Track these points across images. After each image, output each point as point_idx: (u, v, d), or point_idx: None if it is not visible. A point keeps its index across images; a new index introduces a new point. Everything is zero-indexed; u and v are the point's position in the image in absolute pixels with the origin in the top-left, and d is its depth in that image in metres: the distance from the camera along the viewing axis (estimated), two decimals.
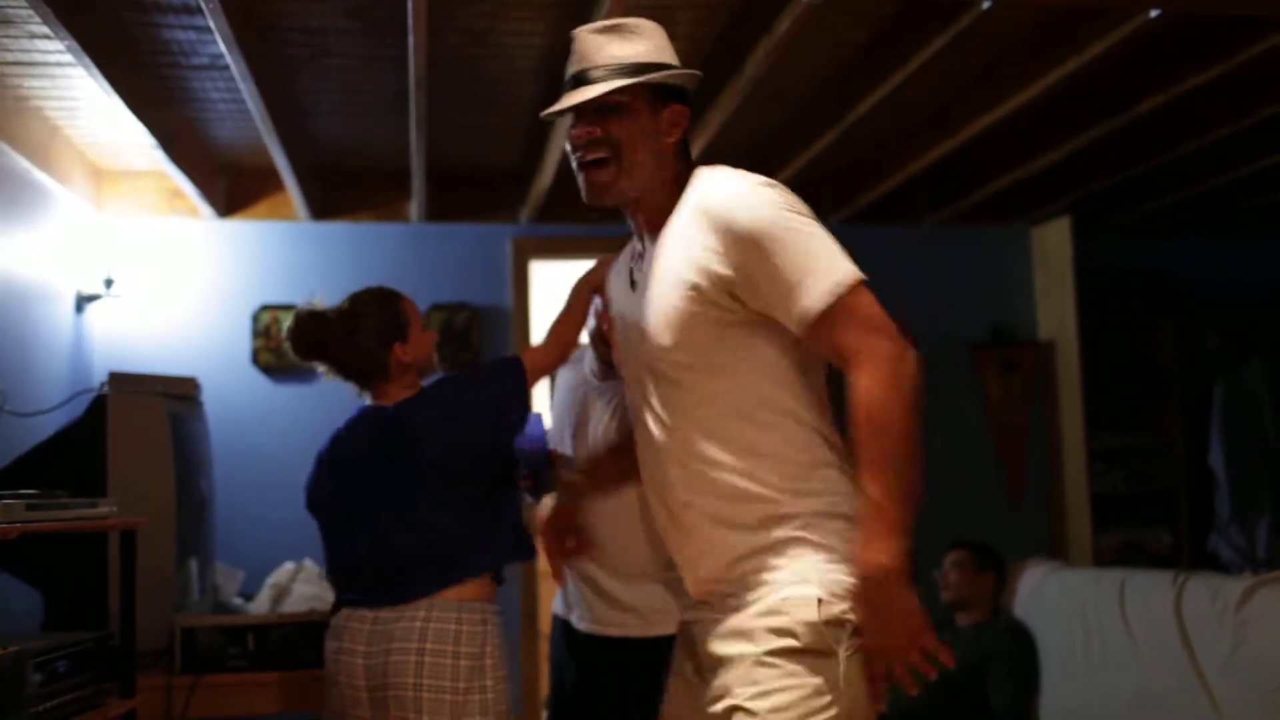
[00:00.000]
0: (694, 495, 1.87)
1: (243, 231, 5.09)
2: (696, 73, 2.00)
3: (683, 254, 1.86)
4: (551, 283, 6.81)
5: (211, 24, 3.05)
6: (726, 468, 1.83)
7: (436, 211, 5.13)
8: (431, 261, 5.18)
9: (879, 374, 1.74)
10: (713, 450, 1.84)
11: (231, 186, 5.02)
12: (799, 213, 1.82)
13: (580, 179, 1.96)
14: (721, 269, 1.80)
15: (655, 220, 1.96)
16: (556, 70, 3.77)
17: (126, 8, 3.31)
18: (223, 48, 3.25)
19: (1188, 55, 3.81)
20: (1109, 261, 5.77)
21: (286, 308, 5.01)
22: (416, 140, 4.15)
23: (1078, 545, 5.49)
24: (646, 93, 1.93)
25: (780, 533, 1.79)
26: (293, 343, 2.79)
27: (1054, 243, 5.65)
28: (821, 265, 1.77)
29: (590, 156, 1.92)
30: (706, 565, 1.89)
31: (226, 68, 3.56)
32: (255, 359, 5.02)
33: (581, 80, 1.93)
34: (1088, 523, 5.43)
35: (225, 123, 4.35)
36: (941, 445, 5.52)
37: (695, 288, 1.82)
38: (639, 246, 2.05)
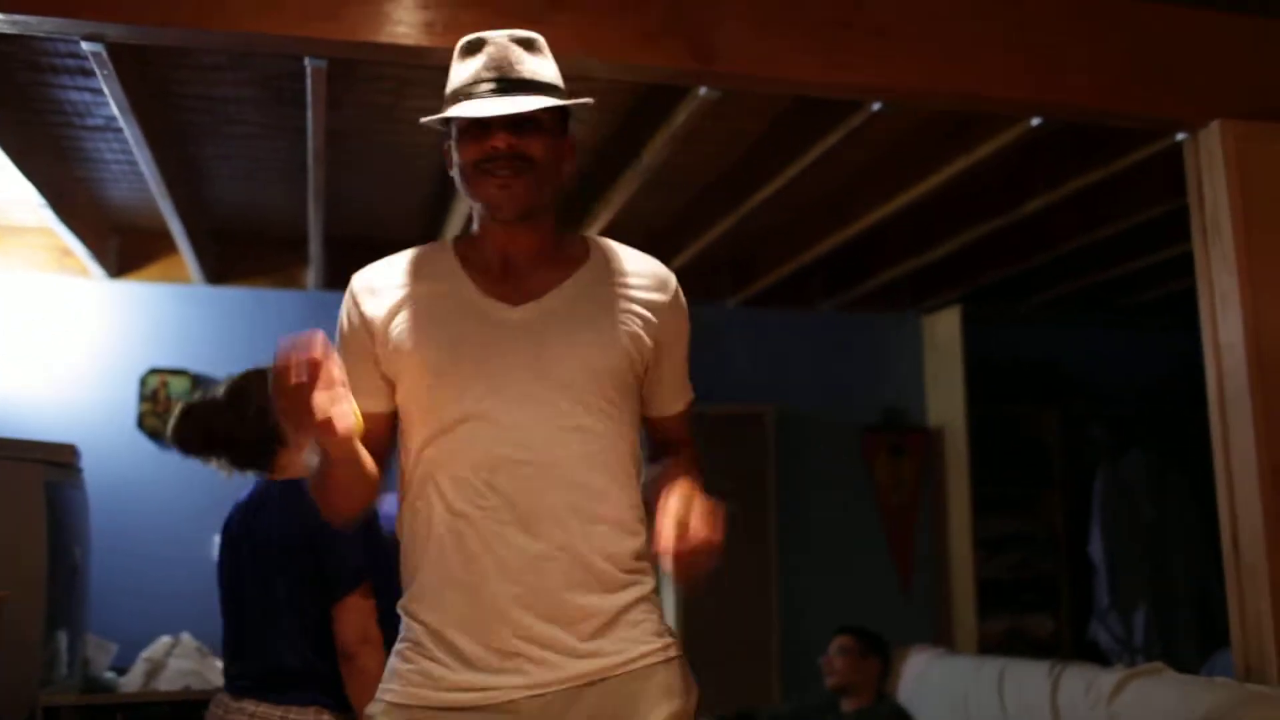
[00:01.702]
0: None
1: (134, 293, 4.99)
2: (590, 101, 1.96)
3: (624, 307, 1.89)
4: None
5: (105, 89, 3.02)
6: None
7: (334, 279, 5.09)
8: (328, 329, 5.09)
9: (698, 455, 2.03)
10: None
11: (124, 247, 4.93)
12: None
13: (488, 187, 1.81)
14: (654, 338, 1.89)
15: (535, 248, 1.90)
16: None
17: (21, 67, 3.26)
18: (116, 111, 3.21)
19: (1071, 160, 3.96)
20: (998, 351, 5.93)
21: (176, 371, 4.92)
22: (314, 210, 4.13)
23: (963, 630, 5.56)
24: (559, 116, 1.88)
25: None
26: (177, 437, 2.65)
27: (944, 331, 5.78)
28: (687, 378, 2.03)
29: (505, 170, 1.80)
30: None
31: (121, 130, 3.52)
32: (141, 423, 4.90)
33: (503, 87, 1.82)
34: (973, 608, 5.51)
35: (120, 183, 4.29)
36: (831, 528, 5.59)
37: (635, 340, 1.87)
38: (477, 263, 1.91)
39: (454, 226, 4.34)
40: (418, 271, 1.91)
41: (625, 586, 1.81)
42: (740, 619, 5.27)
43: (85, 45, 2.67)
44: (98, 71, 2.90)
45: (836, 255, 5.04)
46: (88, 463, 4.26)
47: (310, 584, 2.48)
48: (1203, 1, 3.22)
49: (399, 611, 1.87)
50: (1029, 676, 3.94)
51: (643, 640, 1.80)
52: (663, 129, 3.39)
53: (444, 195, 4.35)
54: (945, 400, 5.78)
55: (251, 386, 2.63)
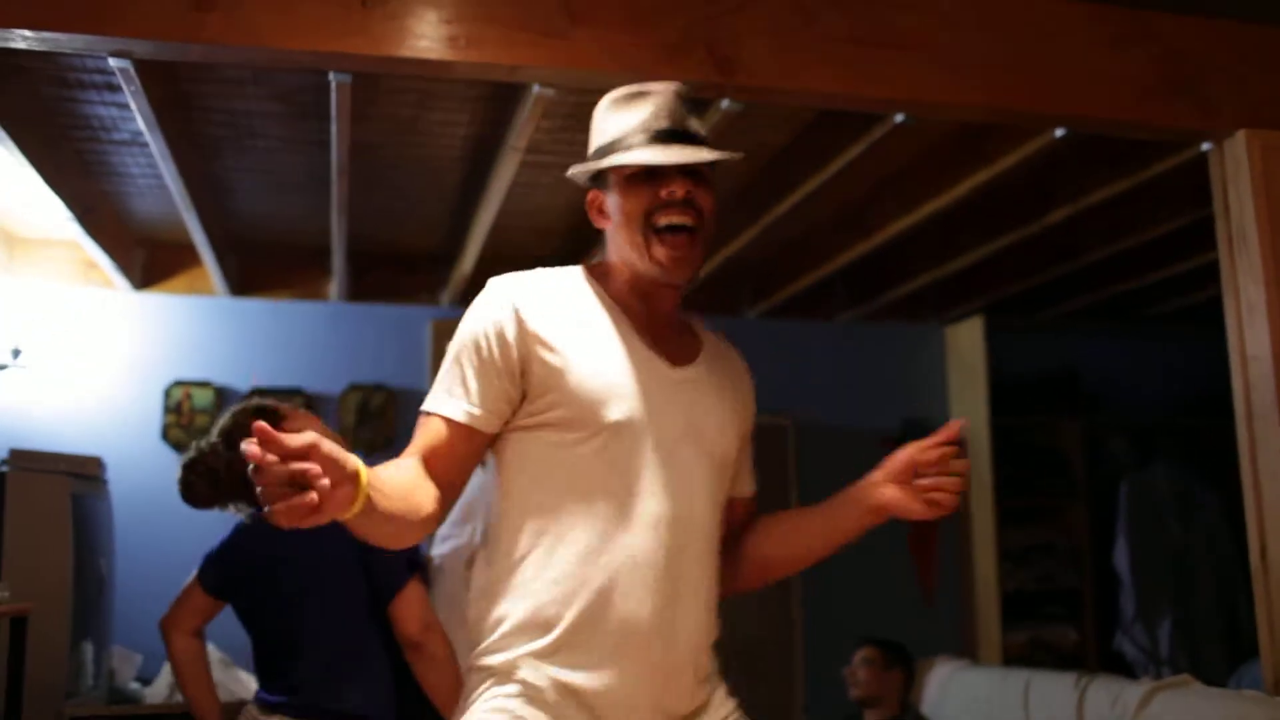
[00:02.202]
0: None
1: (158, 305, 5.03)
2: (740, 155, 1.93)
3: (733, 388, 1.92)
4: None
5: (132, 104, 3.05)
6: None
7: (357, 291, 5.11)
8: (350, 341, 5.15)
9: None
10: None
11: (149, 260, 4.97)
12: None
13: (661, 249, 1.75)
14: (746, 421, 1.94)
15: (673, 310, 1.87)
16: (481, 159, 3.82)
17: (48, 83, 3.29)
18: (143, 126, 3.23)
19: (1095, 171, 3.95)
20: (1020, 362, 5.90)
21: (200, 383, 4.95)
22: (337, 223, 4.15)
23: (987, 642, 5.53)
24: (713, 173, 1.82)
25: None
26: (187, 494, 2.65)
27: (967, 342, 5.76)
28: None
29: (681, 220, 1.74)
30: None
31: (147, 144, 3.55)
32: (165, 435, 4.93)
33: (678, 137, 1.76)
34: (997, 620, 5.49)
35: (145, 197, 4.32)
36: (854, 541, 5.56)
37: (740, 423, 1.91)
38: (613, 314, 1.82)
39: (477, 241, 4.35)
40: (569, 300, 1.80)
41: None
42: (763, 630, 5.26)
43: (112, 61, 2.69)
44: (124, 87, 2.93)
45: (858, 266, 5.03)
46: (112, 474, 4.29)
47: (366, 604, 2.51)
48: (1226, 12, 3.21)
49: (485, 654, 1.74)
50: (1055, 688, 3.92)
51: (722, 704, 1.84)
52: None
53: (466, 208, 4.36)
54: (967, 411, 5.75)
55: (243, 423, 2.62)
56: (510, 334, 1.71)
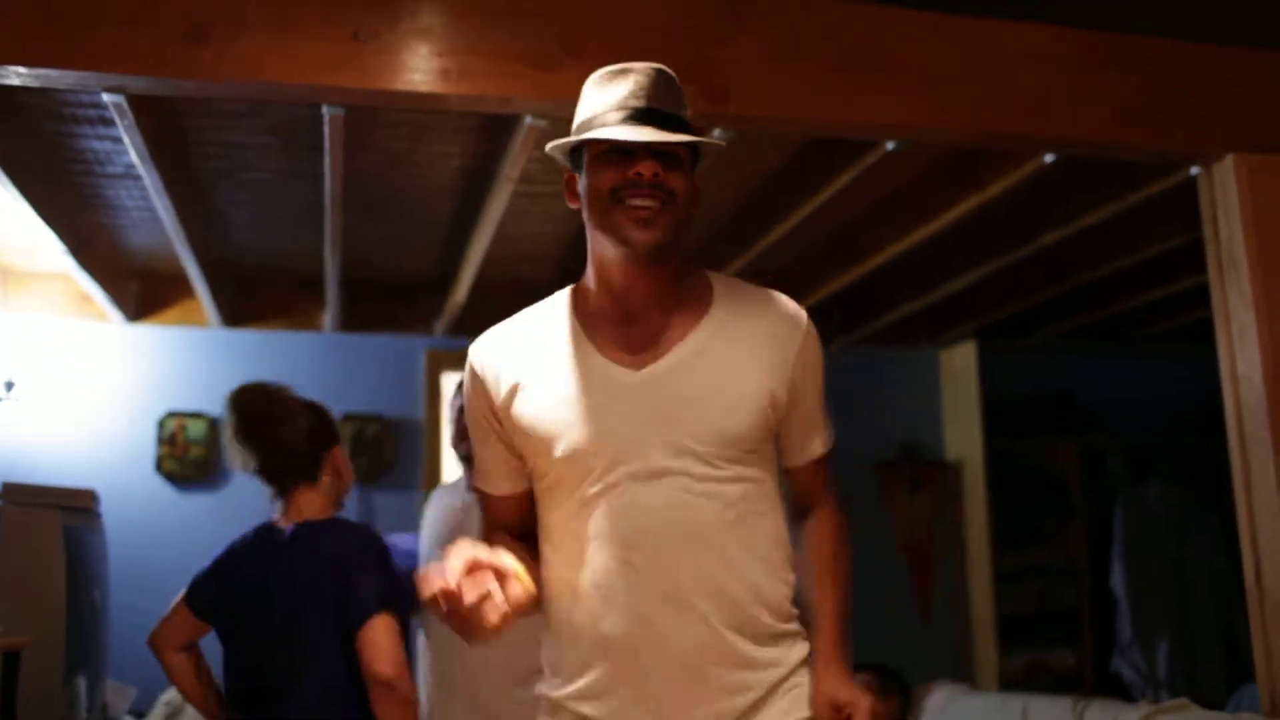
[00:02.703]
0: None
1: (152, 337, 5.02)
2: (723, 143, 1.89)
3: (755, 355, 1.78)
4: None
5: (125, 138, 3.05)
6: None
7: (351, 322, 5.11)
8: (344, 371, 5.15)
9: (840, 520, 1.94)
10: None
11: (143, 291, 4.97)
12: None
13: (624, 219, 1.71)
14: (788, 385, 1.80)
15: (656, 292, 1.79)
16: (474, 189, 3.84)
17: (43, 118, 3.30)
18: (136, 159, 3.24)
19: (1086, 193, 3.97)
20: (1014, 383, 5.92)
21: (194, 415, 4.94)
22: (331, 255, 4.15)
23: (984, 665, 5.52)
24: (691, 158, 1.78)
25: None
26: (240, 405, 2.65)
27: (961, 365, 5.77)
28: (825, 415, 1.92)
29: (646, 203, 1.70)
30: None
31: (141, 177, 3.55)
32: (159, 466, 4.92)
33: (652, 117, 1.71)
34: (994, 643, 5.48)
35: (139, 229, 4.33)
36: (852, 564, 5.56)
37: (769, 394, 1.77)
38: (587, 312, 1.82)
39: (470, 270, 4.36)
40: (532, 337, 1.81)
41: (770, 659, 1.76)
42: None
43: (105, 97, 2.71)
44: (118, 121, 2.94)
45: (851, 291, 5.04)
46: (106, 506, 4.27)
47: (338, 631, 2.46)
48: (1215, 36, 3.24)
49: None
50: (1052, 713, 3.91)
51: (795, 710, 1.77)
52: None
53: (460, 238, 4.37)
54: (963, 434, 5.76)
55: (319, 417, 2.69)
56: (485, 404, 1.80)
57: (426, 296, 5.15)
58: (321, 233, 4.12)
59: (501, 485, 1.83)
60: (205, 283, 4.46)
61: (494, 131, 3.40)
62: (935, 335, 5.81)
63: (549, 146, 1.83)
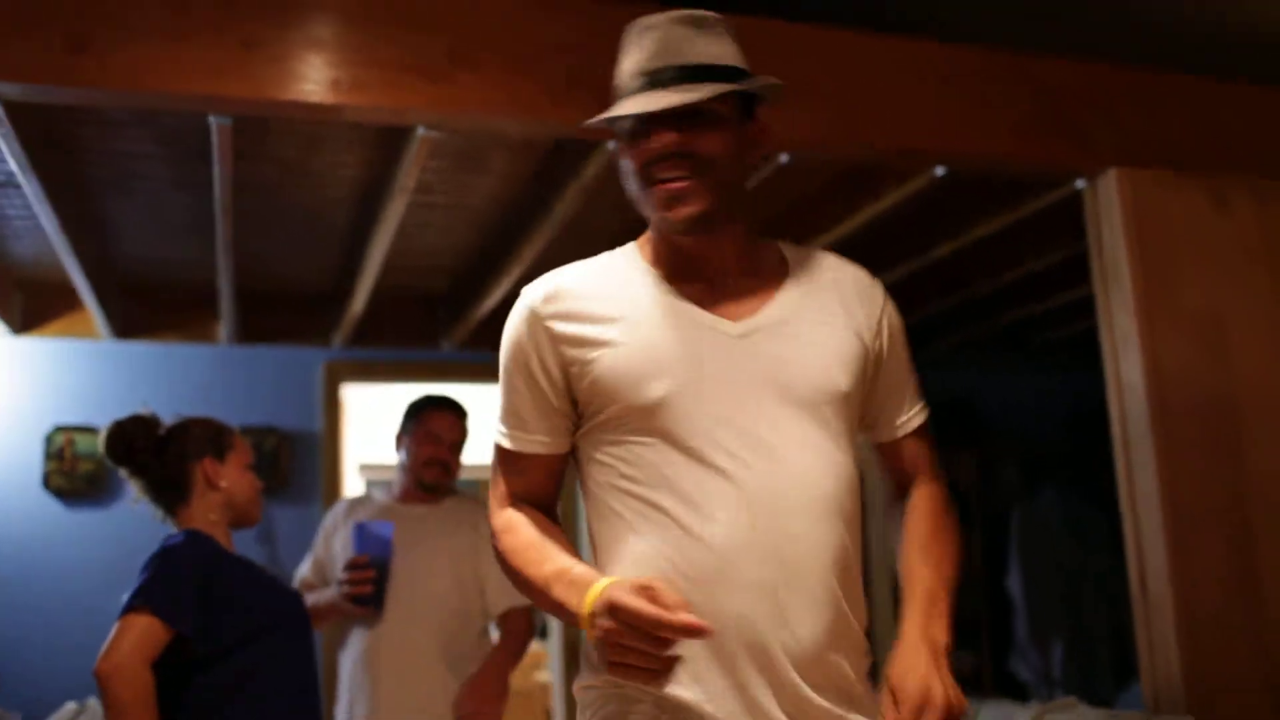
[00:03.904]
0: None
1: (38, 349, 4.88)
2: (779, 83, 1.71)
3: (839, 318, 1.69)
4: (364, 407, 6.74)
5: (3, 146, 2.97)
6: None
7: (246, 333, 5.02)
8: (239, 384, 5.05)
9: (944, 495, 1.79)
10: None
11: (28, 303, 4.83)
12: None
13: (654, 197, 1.62)
14: (875, 348, 1.72)
15: (731, 258, 1.69)
16: (370, 199, 3.80)
17: None
18: (15, 168, 3.15)
19: (977, 206, 4.05)
20: None
21: (83, 429, 4.81)
22: (224, 264, 4.08)
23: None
24: (739, 101, 1.65)
25: None
26: (105, 440, 2.66)
27: None
28: (916, 384, 1.81)
29: (671, 174, 1.59)
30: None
31: (21, 185, 3.45)
32: (47, 483, 4.77)
33: (669, 78, 1.58)
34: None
35: (23, 239, 4.20)
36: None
37: (868, 349, 1.70)
38: (675, 284, 1.68)
39: (368, 281, 4.30)
40: (612, 280, 1.68)
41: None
42: None
43: None
44: None
45: None
46: None
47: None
48: (1099, 54, 3.33)
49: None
50: None
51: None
52: (573, 184, 3.41)
53: (357, 249, 4.32)
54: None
55: (190, 435, 2.69)
56: (541, 348, 1.63)
57: (324, 308, 5.08)
58: (214, 243, 4.04)
59: (539, 442, 1.65)
60: (94, 294, 4.35)
61: (389, 141, 3.37)
62: None
63: (584, 124, 1.74)
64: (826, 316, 1.68)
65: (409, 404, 3.59)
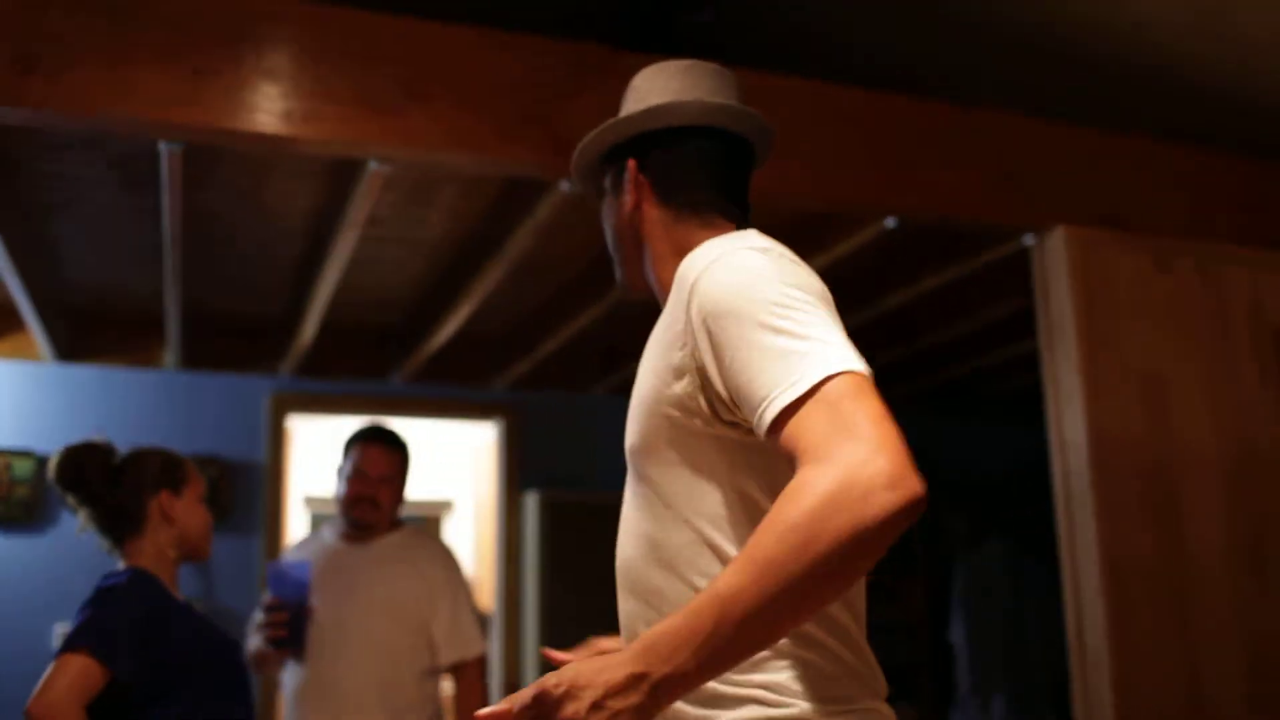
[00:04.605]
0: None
1: None
2: (672, 107, 1.58)
3: (657, 337, 1.48)
4: (310, 438, 6.67)
5: None
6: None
7: (193, 359, 4.97)
8: (184, 411, 4.99)
9: (799, 483, 1.24)
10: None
11: None
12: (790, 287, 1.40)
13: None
14: (684, 360, 1.40)
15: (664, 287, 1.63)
16: (321, 230, 3.78)
17: None
18: None
19: (928, 258, 4.09)
20: None
21: (20, 453, 4.73)
22: (172, 291, 4.04)
23: None
24: (596, 170, 1.65)
25: None
26: (56, 465, 2.54)
27: None
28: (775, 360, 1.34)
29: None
30: None
31: None
32: None
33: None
34: None
35: None
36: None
37: (656, 389, 1.45)
38: None
39: (317, 312, 4.27)
40: None
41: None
42: None
43: None
44: None
45: None
46: None
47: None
48: (1048, 114, 3.38)
49: None
50: None
51: None
52: (526, 221, 3.40)
53: (307, 280, 4.29)
54: None
55: (146, 465, 2.58)
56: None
57: (272, 337, 5.03)
58: (162, 268, 4.00)
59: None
60: (37, 315, 4.29)
61: (342, 174, 3.35)
62: None
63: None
64: (649, 357, 1.49)
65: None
